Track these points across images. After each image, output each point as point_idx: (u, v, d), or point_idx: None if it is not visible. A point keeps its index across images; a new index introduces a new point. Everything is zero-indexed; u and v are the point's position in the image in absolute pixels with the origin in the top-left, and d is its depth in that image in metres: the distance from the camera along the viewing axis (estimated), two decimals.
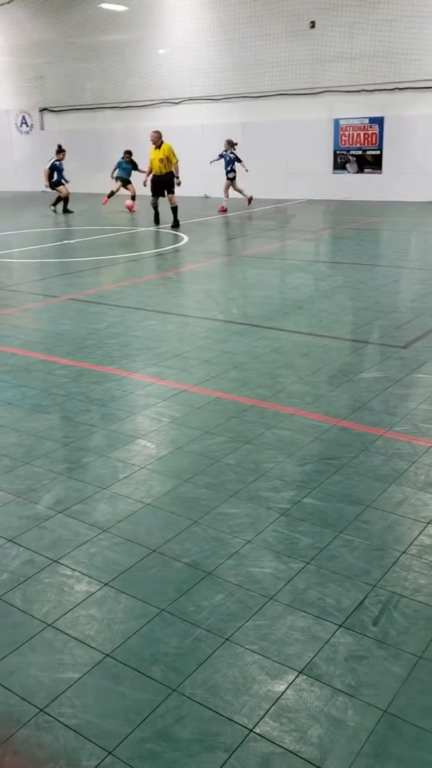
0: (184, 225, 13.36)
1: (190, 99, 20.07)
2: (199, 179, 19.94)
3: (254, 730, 1.93)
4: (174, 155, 12.94)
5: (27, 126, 24.03)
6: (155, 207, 13.51)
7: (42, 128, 23.82)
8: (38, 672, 2.15)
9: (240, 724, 1.95)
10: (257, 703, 2.03)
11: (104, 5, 20.25)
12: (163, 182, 13.04)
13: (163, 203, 13.40)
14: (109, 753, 1.86)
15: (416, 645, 2.24)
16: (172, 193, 13.12)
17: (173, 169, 13.03)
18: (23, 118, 24.01)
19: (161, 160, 12.86)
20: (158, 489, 3.28)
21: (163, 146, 12.87)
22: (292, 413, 4.16)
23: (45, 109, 23.57)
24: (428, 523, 2.95)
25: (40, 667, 2.17)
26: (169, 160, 12.89)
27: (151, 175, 13.17)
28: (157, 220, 13.59)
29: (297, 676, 2.12)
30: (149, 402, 4.39)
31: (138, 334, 5.95)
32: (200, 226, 13.55)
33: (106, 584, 2.57)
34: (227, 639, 2.28)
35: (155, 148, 12.88)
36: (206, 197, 19.85)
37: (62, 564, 2.70)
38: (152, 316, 6.66)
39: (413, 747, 1.87)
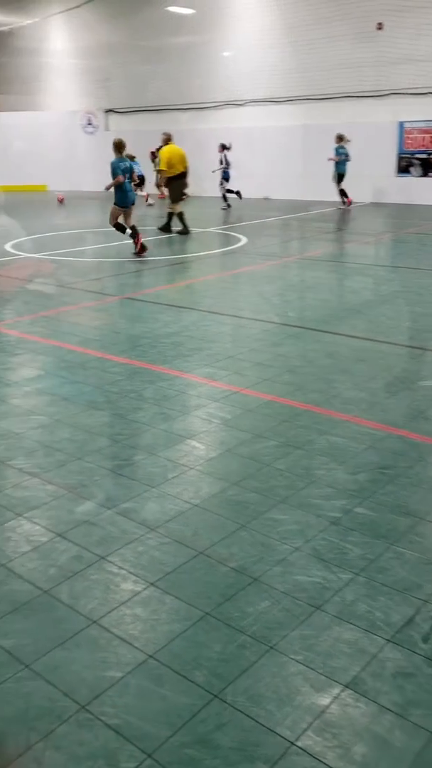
0: (244, 226, 13.33)
1: (254, 101, 20.05)
2: (260, 181, 19.92)
3: (296, 743, 1.89)
4: (161, 162, 12.42)
5: (92, 127, 24.46)
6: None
7: (107, 129, 24.22)
8: (81, 669, 2.16)
9: (282, 736, 1.91)
10: (300, 716, 1.98)
11: (171, 8, 20.44)
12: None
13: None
14: (149, 756, 1.85)
15: None
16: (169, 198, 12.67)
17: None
18: (89, 119, 24.46)
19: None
20: (206, 491, 3.26)
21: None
22: (346, 420, 4.08)
23: (110, 110, 23.97)
24: None
25: (83, 664, 2.17)
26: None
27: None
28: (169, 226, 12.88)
29: (342, 691, 2.07)
30: (200, 403, 4.38)
31: (192, 335, 5.95)
32: (259, 228, 13.51)
33: (151, 584, 2.57)
34: (272, 647, 2.24)
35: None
36: (267, 199, 19.80)
37: (109, 561, 2.71)
38: (207, 317, 6.66)
39: None
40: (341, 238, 12.35)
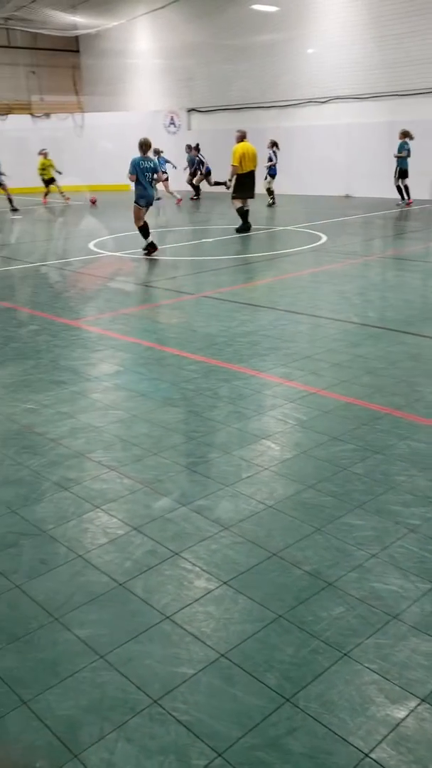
0: (325, 224, 13.16)
1: (337, 98, 19.75)
2: (341, 179, 19.61)
3: (370, 755, 1.84)
4: (233, 157, 12.38)
5: (175, 126, 24.75)
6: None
7: (189, 128, 24.45)
8: (154, 663, 2.18)
9: (355, 747, 1.87)
10: (374, 727, 1.93)
11: (256, 6, 20.40)
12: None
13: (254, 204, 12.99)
14: (219, 755, 1.85)
15: None
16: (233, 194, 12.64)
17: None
18: (171, 118, 24.77)
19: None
20: (281, 492, 3.23)
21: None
22: (429, 425, 3.95)
23: (193, 109, 24.17)
24: None
25: (156, 659, 2.20)
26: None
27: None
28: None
29: (419, 704, 2.00)
30: (276, 403, 4.35)
31: (268, 334, 5.92)
32: (339, 226, 13.31)
33: (224, 583, 2.57)
34: (345, 654, 2.20)
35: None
36: (348, 197, 19.48)
37: (183, 558, 2.73)
38: (284, 315, 6.61)
39: None
40: (426, 237, 11.99)
